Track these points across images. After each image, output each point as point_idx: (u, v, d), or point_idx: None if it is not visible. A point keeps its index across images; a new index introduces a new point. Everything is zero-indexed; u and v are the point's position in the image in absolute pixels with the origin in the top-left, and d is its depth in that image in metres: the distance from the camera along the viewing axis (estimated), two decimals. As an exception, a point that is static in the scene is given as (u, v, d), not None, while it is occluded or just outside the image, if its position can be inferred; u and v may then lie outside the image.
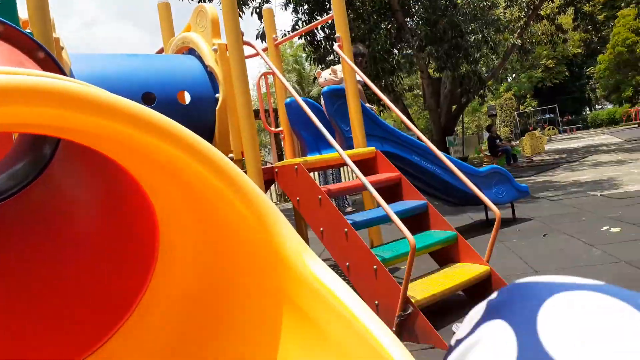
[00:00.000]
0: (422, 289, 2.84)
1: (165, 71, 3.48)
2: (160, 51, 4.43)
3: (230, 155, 3.44)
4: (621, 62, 31.01)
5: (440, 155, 3.57)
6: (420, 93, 24.62)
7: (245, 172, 2.47)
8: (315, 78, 12.75)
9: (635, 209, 5.33)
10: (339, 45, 4.07)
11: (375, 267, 2.77)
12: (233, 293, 1.46)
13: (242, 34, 3.39)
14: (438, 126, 13.70)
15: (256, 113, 6.88)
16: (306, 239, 4.46)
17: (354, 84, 4.10)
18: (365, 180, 2.88)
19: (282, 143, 4.93)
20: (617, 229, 4.55)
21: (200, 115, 3.41)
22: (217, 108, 3.44)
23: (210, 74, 3.54)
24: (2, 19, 1.73)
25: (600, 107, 38.95)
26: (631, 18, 30.09)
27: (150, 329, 1.66)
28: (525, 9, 14.80)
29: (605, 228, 4.66)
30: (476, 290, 3.16)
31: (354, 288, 2.84)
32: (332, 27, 11.51)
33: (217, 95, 3.49)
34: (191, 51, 3.77)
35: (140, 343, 1.67)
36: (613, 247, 3.97)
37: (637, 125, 24.53)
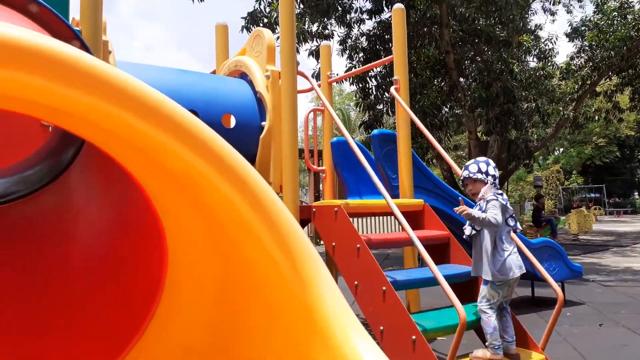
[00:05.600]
0: (466, 372, 2.43)
1: (212, 91, 3.30)
2: (213, 73, 4.30)
3: (268, 188, 3.17)
4: (675, 150, 29.80)
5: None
6: (463, 154, 24.11)
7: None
8: (360, 126, 12.63)
9: (703, 309, 4.76)
10: (395, 89, 3.82)
11: (413, 337, 2.39)
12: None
13: (298, 63, 3.19)
14: (481, 190, 13.17)
15: (299, 152, 6.66)
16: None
17: (407, 130, 3.82)
18: (413, 234, 2.55)
19: (322, 184, 4.66)
20: (686, 330, 4.01)
21: (243, 142, 3.18)
22: (261, 136, 3.21)
23: (259, 101, 3.34)
24: (39, 0, 1.56)
25: (649, 193, 37.24)
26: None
27: None
28: (580, 83, 14.33)
29: (671, 326, 4.12)
30: (525, 380, 2.72)
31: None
32: (384, 76, 11.41)
33: (263, 123, 3.27)
34: (243, 76, 3.60)
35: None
36: (685, 351, 3.45)
37: (689, 216, 23.21)
